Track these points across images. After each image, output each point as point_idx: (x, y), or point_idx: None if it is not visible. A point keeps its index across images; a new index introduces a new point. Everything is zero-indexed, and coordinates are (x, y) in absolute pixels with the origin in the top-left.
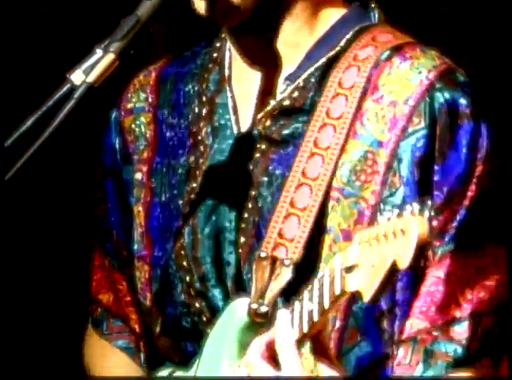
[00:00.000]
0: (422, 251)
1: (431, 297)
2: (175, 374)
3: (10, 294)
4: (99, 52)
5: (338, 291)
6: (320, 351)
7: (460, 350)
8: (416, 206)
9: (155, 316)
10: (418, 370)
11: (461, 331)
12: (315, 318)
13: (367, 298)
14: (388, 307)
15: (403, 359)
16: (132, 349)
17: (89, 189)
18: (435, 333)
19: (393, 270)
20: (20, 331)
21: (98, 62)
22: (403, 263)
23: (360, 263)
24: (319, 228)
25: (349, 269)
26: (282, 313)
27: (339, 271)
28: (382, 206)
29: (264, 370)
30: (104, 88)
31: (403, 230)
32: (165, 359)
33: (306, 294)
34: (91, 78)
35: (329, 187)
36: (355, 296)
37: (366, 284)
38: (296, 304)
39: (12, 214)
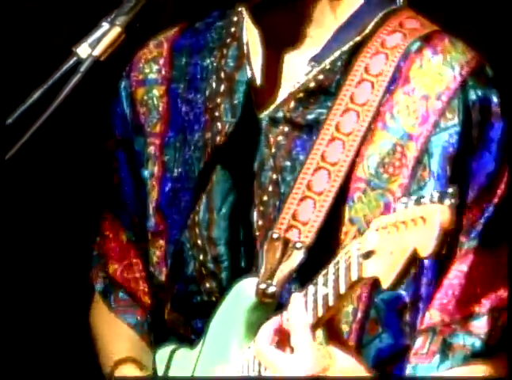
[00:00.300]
0: (444, 239)
1: (452, 290)
2: (178, 352)
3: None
4: (105, 25)
5: (354, 277)
6: (334, 336)
7: (478, 343)
8: (436, 194)
9: (168, 291)
10: (435, 361)
11: (480, 325)
12: (331, 302)
13: (385, 285)
14: (411, 301)
15: (421, 349)
16: (141, 326)
17: (95, 165)
18: (454, 326)
19: (414, 258)
20: (20, 326)
21: (104, 36)
22: (425, 251)
23: (377, 249)
24: (338, 216)
25: (366, 255)
26: (296, 297)
27: (356, 257)
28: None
29: (274, 355)
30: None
31: (423, 218)
32: (169, 334)
33: (320, 278)
34: (97, 52)
35: (349, 173)
36: (377, 287)
37: (384, 271)
38: (310, 288)
39: (14, 192)
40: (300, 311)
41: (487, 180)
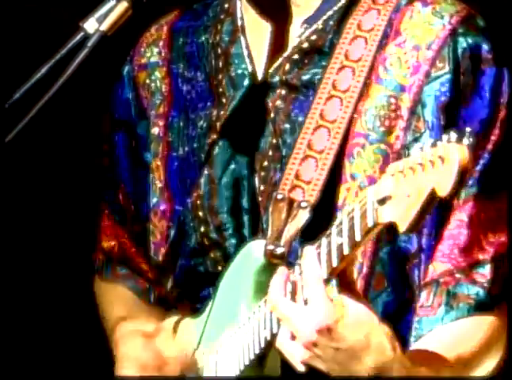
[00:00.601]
0: (462, 178)
1: (454, 240)
2: (183, 322)
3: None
4: (112, 1)
5: (370, 223)
6: (347, 287)
7: (482, 293)
8: (453, 134)
9: (168, 271)
10: (440, 313)
11: (484, 273)
12: (346, 251)
13: (403, 228)
14: (414, 252)
15: (426, 302)
16: (140, 289)
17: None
18: (458, 276)
19: (432, 198)
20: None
21: (112, 11)
22: (444, 190)
23: (393, 194)
24: (339, 172)
25: (381, 201)
26: (308, 250)
27: (371, 204)
28: (407, 151)
29: (289, 306)
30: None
31: (442, 158)
32: (172, 308)
33: (334, 229)
34: (104, 27)
35: (348, 130)
36: (381, 242)
37: (401, 215)
38: (323, 240)
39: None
40: (313, 264)
41: (481, 126)
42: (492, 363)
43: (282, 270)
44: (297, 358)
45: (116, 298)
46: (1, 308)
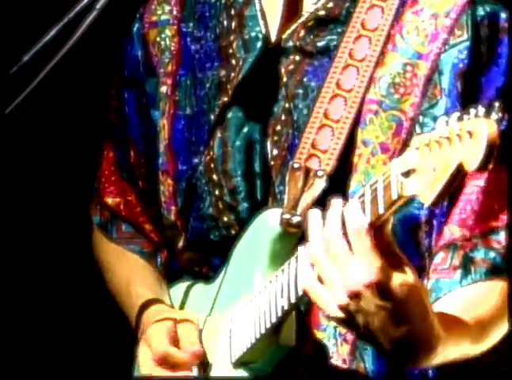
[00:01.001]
0: (491, 153)
1: (471, 205)
2: (194, 287)
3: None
4: None
5: (395, 196)
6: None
7: (498, 258)
8: (481, 109)
9: (179, 230)
10: (457, 276)
11: (499, 240)
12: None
13: (427, 201)
14: (426, 218)
15: (442, 264)
16: (146, 253)
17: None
18: (475, 241)
19: (459, 172)
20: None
21: None
22: (472, 165)
23: (418, 167)
24: (354, 141)
25: (406, 174)
26: (351, 202)
27: (395, 176)
28: (422, 118)
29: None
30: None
31: (470, 132)
32: (184, 273)
33: (356, 200)
34: None
35: (363, 99)
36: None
37: (426, 188)
38: None
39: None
40: (358, 213)
41: (497, 94)
42: (505, 328)
43: (337, 203)
44: (332, 306)
45: (124, 261)
46: None
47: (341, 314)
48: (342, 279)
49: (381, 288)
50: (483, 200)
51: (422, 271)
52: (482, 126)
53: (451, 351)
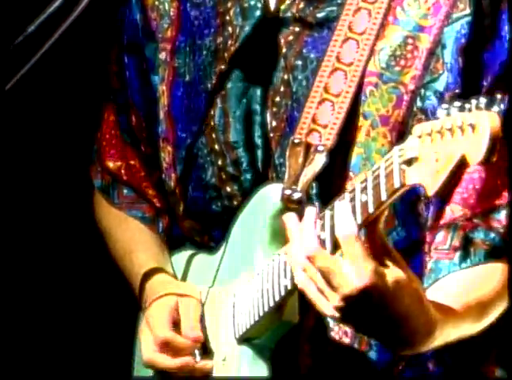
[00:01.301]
0: (494, 146)
1: (473, 184)
2: (196, 257)
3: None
4: None
5: (397, 184)
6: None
7: (497, 239)
8: (483, 99)
9: (179, 197)
10: (457, 258)
11: (500, 219)
12: (371, 210)
13: (431, 192)
14: (426, 195)
15: (442, 244)
16: (148, 218)
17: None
18: (475, 221)
19: (461, 165)
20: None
21: None
22: (474, 158)
23: (421, 156)
24: (354, 115)
25: (408, 162)
26: (341, 204)
27: (398, 164)
28: (423, 91)
29: (328, 259)
30: None
31: (472, 125)
32: (186, 241)
33: (358, 185)
34: None
35: (364, 73)
36: None
37: (429, 178)
38: (346, 195)
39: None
40: (349, 219)
41: (500, 68)
42: (504, 306)
43: (310, 213)
44: (327, 307)
45: (126, 227)
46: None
47: (337, 314)
48: (335, 287)
49: (375, 289)
50: (485, 178)
51: (421, 244)
52: (484, 119)
53: (451, 332)
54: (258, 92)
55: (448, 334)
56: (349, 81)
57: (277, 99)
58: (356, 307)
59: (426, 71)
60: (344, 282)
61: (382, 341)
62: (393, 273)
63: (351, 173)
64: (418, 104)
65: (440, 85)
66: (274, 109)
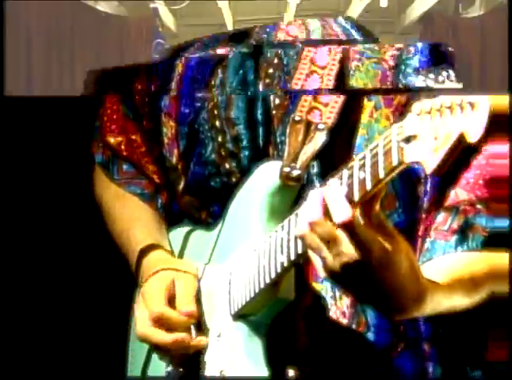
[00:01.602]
0: (493, 124)
1: (481, 170)
2: (194, 233)
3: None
4: None
5: (395, 162)
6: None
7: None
8: (452, 72)
9: (179, 174)
10: (454, 241)
11: (502, 208)
12: (368, 187)
13: (429, 169)
14: (424, 173)
15: (442, 225)
16: (147, 194)
17: None
18: (478, 206)
19: (460, 143)
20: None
21: None
22: (473, 136)
23: (419, 134)
24: (355, 95)
25: (407, 140)
26: (334, 189)
27: (396, 142)
28: (403, 68)
29: (332, 229)
30: None
31: (471, 103)
32: (184, 217)
33: (356, 162)
34: None
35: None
36: None
37: (428, 156)
38: (345, 172)
39: None
40: (340, 197)
41: None
42: (492, 291)
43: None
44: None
45: (125, 204)
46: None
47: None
48: (334, 256)
49: (373, 257)
50: (494, 166)
51: (418, 225)
52: (484, 98)
53: (442, 301)
54: (253, 63)
55: (438, 302)
56: (333, 54)
57: (270, 71)
58: (352, 273)
59: (402, 50)
60: (342, 250)
61: (374, 306)
62: (387, 243)
63: (354, 155)
64: (402, 80)
65: (415, 61)
66: (267, 81)
